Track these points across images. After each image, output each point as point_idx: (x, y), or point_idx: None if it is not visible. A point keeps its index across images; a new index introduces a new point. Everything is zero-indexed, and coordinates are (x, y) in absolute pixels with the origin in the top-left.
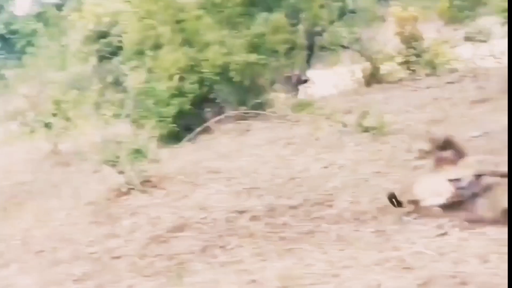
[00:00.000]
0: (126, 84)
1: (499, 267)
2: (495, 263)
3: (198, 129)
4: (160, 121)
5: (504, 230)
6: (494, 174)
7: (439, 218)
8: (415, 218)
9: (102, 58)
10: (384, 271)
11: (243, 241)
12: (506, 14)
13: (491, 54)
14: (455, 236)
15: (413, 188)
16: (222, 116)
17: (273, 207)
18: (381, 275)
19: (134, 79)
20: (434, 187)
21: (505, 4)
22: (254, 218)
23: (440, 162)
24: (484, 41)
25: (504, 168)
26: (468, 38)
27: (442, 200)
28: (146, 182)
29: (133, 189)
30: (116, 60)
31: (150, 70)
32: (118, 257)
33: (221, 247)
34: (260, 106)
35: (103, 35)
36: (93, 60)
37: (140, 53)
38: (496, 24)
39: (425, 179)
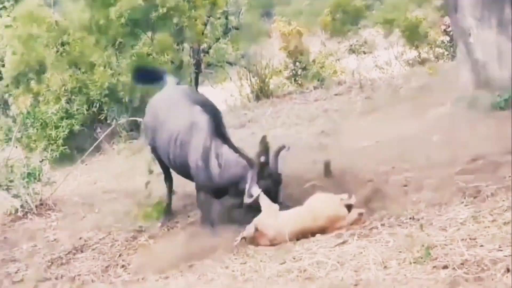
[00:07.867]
0: (12, 108)
1: (399, 273)
2: (395, 269)
3: (90, 149)
4: (51, 143)
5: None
6: None
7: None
8: None
9: None
10: (287, 282)
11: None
12: (387, 25)
13: (375, 65)
14: (354, 245)
15: None
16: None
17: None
18: (284, 287)
19: (20, 103)
20: None
21: (386, 15)
22: (153, 236)
23: None
24: (368, 53)
25: None
26: (352, 50)
27: None
28: (41, 205)
29: (29, 212)
30: (0, 84)
31: (36, 93)
32: (19, 281)
33: (122, 266)
34: None
35: None
36: None
37: (24, 76)
38: (378, 36)
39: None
